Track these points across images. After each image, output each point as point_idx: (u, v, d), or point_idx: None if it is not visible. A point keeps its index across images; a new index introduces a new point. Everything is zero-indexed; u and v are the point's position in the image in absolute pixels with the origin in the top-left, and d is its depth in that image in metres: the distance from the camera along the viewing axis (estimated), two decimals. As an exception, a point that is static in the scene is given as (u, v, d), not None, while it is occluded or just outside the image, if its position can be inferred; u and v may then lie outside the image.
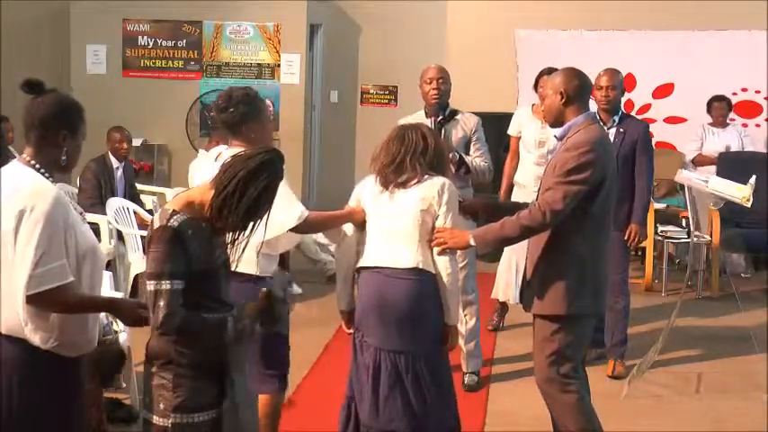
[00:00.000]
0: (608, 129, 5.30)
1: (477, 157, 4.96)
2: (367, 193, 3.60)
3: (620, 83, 5.37)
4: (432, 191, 3.47)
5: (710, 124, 8.21)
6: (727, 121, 8.21)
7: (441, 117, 4.94)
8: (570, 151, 3.51)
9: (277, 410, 3.75)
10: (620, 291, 5.32)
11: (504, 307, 6.20)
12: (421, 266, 3.43)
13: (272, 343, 3.51)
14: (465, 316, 5.03)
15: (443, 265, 3.46)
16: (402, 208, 3.48)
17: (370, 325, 3.48)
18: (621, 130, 5.30)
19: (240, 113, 3.53)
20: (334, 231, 3.71)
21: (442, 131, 4.88)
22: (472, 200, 3.86)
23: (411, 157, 3.50)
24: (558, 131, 3.70)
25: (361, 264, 3.55)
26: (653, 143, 5.56)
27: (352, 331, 3.65)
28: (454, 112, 5.01)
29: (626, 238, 5.22)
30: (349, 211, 3.65)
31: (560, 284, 3.55)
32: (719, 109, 8.12)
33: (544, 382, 3.67)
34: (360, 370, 3.54)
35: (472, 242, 3.51)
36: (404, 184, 3.49)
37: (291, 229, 3.46)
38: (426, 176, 3.48)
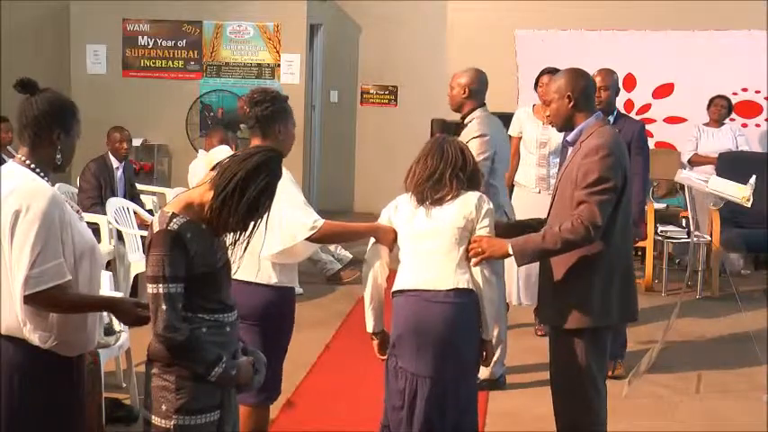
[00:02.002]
0: None
1: None
2: (400, 214, 3.47)
3: (614, 83, 5.37)
4: (469, 206, 3.38)
5: (706, 124, 8.21)
6: (725, 121, 8.20)
7: (463, 122, 4.91)
8: (590, 157, 3.40)
9: (259, 427, 3.63)
10: None
11: (507, 307, 6.18)
12: (460, 286, 3.32)
13: (269, 352, 3.45)
14: None
15: (481, 277, 3.36)
16: (439, 226, 3.37)
17: (407, 351, 3.35)
18: (617, 129, 5.30)
19: (275, 110, 3.48)
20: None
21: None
22: (505, 226, 3.75)
23: (451, 171, 3.40)
24: (568, 135, 3.60)
25: (397, 287, 3.42)
26: (651, 143, 5.55)
27: (384, 357, 3.53)
28: (470, 120, 4.89)
29: None
30: (375, 227, 3.54)
31: (591, 296, 3.46)
32: (719, 107, 8.12)
33: (565, 394, 3.58)
34: (393, 397, 3.42)
35: (510, 251, 3.39)
36: (440, 201, 3.38)
37: (307, 239, 3.40)
38: (462, 192, 3.40)
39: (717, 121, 8.16)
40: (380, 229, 3.51)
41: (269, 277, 3.47)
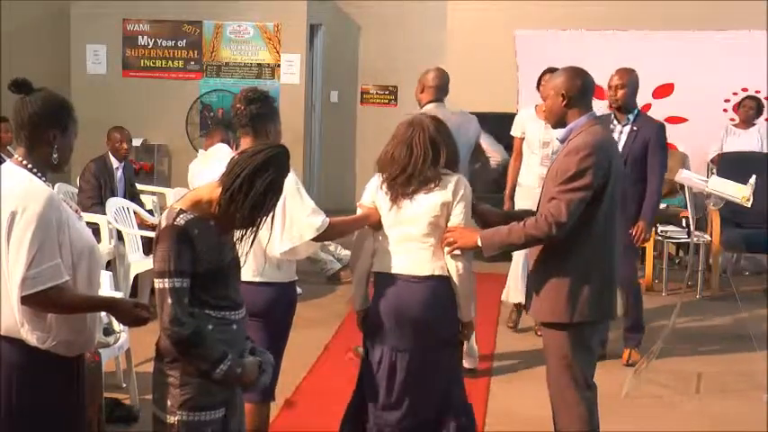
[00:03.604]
0: (622, 127, 5.36)
1: None
2: (380, 195, 3.56)
3: (631, 82, 5.38)
4: (446, 194, 3.44)
5: (735, 125, 8.23)
6: (754, 122, 8.22)
7: None
8: (570, 156, 3.43)
9: (260, 424, 3.67)
10: (630, 284, 5.45)
11: (520, 306, 6.17)
12: (436, 273, 3.45)
13: (268, 347, 3.49)
14: None
15: (453, 266, 3.46)
16: (416, 212, 3.46)
17: (386, 327, 3.50)
18: (635, 128, 5.34)
19: (268, 109, 3.57)
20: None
21: None
22: (486, 209, 3.80)
23: (421, 167, 3.44)
24: (560, 134, 3.63)
25: (378, 269, 3.56)
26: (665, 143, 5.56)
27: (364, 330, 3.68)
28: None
29: (632, 233, 5.28)
30: (365, 215, 3.62)
31: (564, 291, 3.48)
32: (747, 108, 8.13)
33: (555, 389, 3.61)
34: (371, 368, 3.57)
35: (479, 243, 3.46)
36: (414, 194, 3.46)
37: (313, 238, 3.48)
38: (438, 179, 3.44)
39: (745, 122, 8.18)
40: (369, 215, 3.59)
41: (271, 275, 3.52)
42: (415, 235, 3.46)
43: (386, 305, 3.49)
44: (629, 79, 5.36)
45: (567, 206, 3.38)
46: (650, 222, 5.37)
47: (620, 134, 5.39)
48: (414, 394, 3.50)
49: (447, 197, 3.44)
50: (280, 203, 3.29)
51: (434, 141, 3.46)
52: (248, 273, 3.41)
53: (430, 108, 5.09)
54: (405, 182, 3.46)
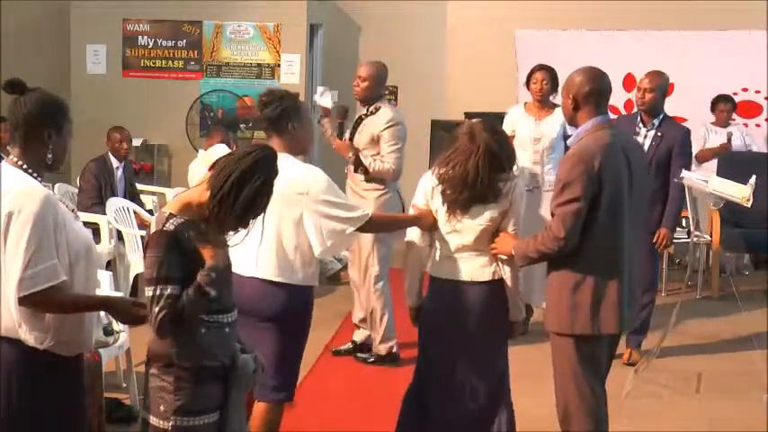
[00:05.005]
0: (647, 131, 5.36)
1: (380, 157, 5.15)
2: (435, 201, 3.60)
3: (659, 86, 5.40)
4: (503, 204, 3.52)
5: (713, 123, 8.23)
6: (730, 121, 8.22)
7: (365, 111, 5.27)
8: (563, 164, 3.45)
9: (273, 423, 3.68)
10: (646, 287, 5.43)
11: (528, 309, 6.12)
12: (496, 278, 3.55)
13: (286, 348, 3.53)
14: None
15: (502, 269, 3.56)
16: (473, 223, 3.53)
17: (444, 328, 3.60)
18: (660, 133, 5.35)
19: (284, 108, 3.58)
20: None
21: (361, 126, 5.22)
22: None
23: (480, 188, 3.48)
24: (571, 137, 3.68)
25: (435, 274, 3.63)
26: (691, 149, 5.57)
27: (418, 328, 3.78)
28: (377, 109, 5.22)
29: (654, 241, 5.28)
30: (416, 216, 3.67)
31: (565, 301, 3.47)
32: (723, 110, 8.14)
33: (560, 395, 3.61)
34: (430, 368, 3.65)
35: (513, 252, 3.51)
36: (473, 206, 3.52)
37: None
38: (497, 192, 3.51)
39: (722, 123, 8.18)
40: (422, 216, 3.64)
41: (289, 277, 3.51)
42: (473, 243, 3.54)
43: (444, 307, 3.58)
44: (658, 83, 5.36)
45: (563, 221, 3.37)
46: (672, 229, 5.38)
47: (645, 138, 5.40)
48: (472, 392, 3.59)
49: (504, 206, 3.53)
50: (309, 204, 3.35)
51: (495, 157, 3.50)
52: (268, 271, 3.45)
53: (385, 102, 5.27)
54: (465, 202, 3.51)
